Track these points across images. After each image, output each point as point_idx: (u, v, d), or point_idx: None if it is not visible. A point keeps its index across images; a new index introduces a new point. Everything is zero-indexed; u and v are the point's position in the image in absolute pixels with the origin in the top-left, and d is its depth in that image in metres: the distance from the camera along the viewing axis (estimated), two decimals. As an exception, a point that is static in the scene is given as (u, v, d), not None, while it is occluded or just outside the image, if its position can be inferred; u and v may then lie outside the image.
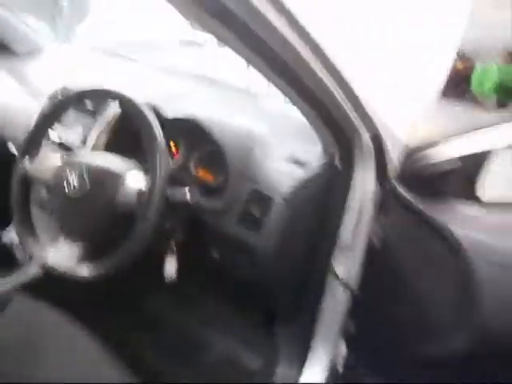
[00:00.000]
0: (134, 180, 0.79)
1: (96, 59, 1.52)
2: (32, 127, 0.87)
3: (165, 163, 0.75)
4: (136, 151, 1.01)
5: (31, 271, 0.98)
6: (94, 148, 1.01)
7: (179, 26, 1.70)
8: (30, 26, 1.55)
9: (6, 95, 1.34)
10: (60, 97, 1.16)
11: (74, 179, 0.77)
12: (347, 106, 0.71)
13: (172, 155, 1.03)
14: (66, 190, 0.77)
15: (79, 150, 0.99)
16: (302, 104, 0.73)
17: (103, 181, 0.78)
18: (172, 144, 1.02)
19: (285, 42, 0.51)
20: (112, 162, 0.82)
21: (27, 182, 0.85)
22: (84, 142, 1.05)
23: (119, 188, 0.77)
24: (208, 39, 1.80)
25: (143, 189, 0.76)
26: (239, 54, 0.58)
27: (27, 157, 0.86)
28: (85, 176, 0.77)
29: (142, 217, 0.73)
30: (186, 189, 0.81)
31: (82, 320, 0.84)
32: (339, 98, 0.69)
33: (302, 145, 0.97)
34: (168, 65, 1.41)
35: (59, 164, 0.82)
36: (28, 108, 1.24)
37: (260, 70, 0.63)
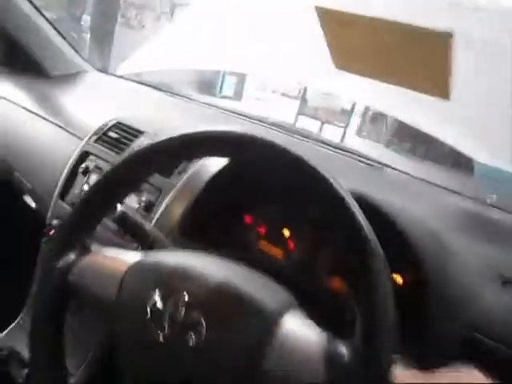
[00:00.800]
0: (302, 325, 0.36)
1: (148, 94, 1.19)
2: (77, 208, 0.45)
3: (390, 296, 0.33)
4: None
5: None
6: (164, 230, 0.62)
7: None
8: (73, 49, 1.23)
9: (31, 126, 0.97)
10: (117, 135, 0.80)
11: (167, 307, 0.37)
12: None
13: (286, 245, 0.64)
14: (152, 329, 0.36)
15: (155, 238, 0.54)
16: None
17: (233, 318, 0.35)
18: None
19: None
20: (248, 277, 0.38)
21: (65, 298, 0.44)
22: (146, 216, 0.66)
23: (270, 339, 0.34)
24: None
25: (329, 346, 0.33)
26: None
27: (67, 255, 0.43)
28: (192, 303, 0.36)
29: None
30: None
31: None
32: None
33: (501, 252, 0.61)
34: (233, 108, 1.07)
35: (134, 269, 0.41)
36: (60, 147, 0.87)
37: None
